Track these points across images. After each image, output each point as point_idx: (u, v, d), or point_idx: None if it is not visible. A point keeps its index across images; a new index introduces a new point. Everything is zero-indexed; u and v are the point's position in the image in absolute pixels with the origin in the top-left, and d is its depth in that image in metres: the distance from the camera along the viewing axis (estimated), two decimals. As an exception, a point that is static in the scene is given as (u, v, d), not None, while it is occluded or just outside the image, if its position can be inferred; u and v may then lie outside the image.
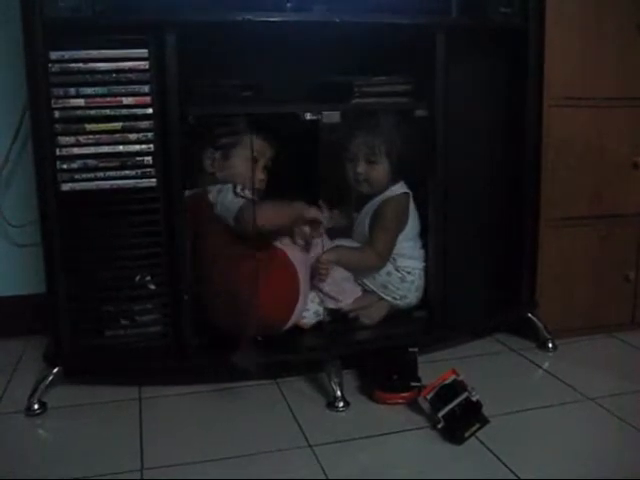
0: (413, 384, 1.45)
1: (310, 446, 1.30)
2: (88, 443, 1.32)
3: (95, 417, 1.43)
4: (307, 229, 1.58)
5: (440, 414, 1.33)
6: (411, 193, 1.73)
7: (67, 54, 1.37)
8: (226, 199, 1.52)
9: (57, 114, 1.38)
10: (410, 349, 1.50)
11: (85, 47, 1.38)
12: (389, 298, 1.71)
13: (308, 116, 1.51)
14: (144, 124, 1.43)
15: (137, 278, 1.48)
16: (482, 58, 1.66)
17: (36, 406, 1.44)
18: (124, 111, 1.41)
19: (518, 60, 1.68)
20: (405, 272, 1.71)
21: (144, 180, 1.44)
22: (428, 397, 1.37)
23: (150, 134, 1.43)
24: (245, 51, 1.63)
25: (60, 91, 1.38)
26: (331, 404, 1.45)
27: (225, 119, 1.60)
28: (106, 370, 1.58)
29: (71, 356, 1.48)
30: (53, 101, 1.38)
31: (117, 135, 1.42)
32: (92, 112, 1.40)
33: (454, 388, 1.36)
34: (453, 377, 1.38)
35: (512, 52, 1.69)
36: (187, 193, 1.53)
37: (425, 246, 1.73)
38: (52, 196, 1.41)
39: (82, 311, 1.47)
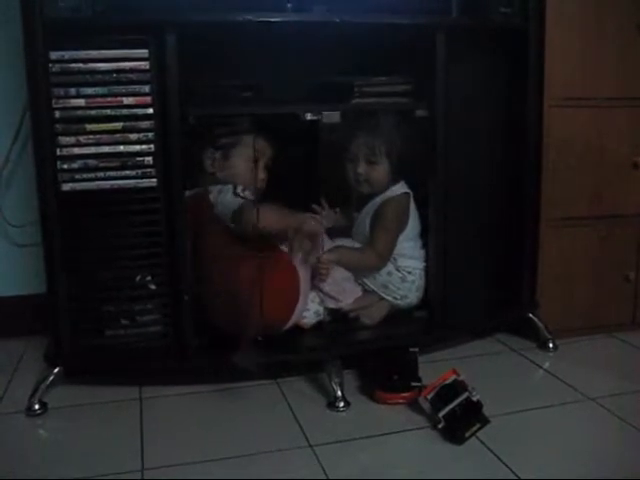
0: (414, 384, 1.45)
1: (311, 446, 1.30)
2: (88, 443, 1.32)
3: (95, 417, 1.43)
4: (307, 243, 1.55)
5: (441, 414, 1.33)
6: (411, 193, 1.73)
7: (67, 54, 1.37)
8: (225, 199, 1.53)
9: (57, 114, 1.39)
10: (411, 349, 1.50)
11: (85, 47, 1.38)
12: (390, 298, 1.71)
13: (308, 116, 1.52)
14: (144, 124, 1.43)
15: (137, 278, 1.49)
16: (482, 58, 1.66)
17: (37, 406, 1.44)
18: (125, 111, 1.41)
19: (518, 60, 1.68)
20: (406, 272, 1.71)
21: (144, 180, 1.44)
22: (429, 397, 1.37)
23: (150, 134, 1.43)
24: (245, 51, 1.63)
25: (60, 91, 1.38)
26: (332, 404, 1.45)
27: (225, 119, 1.60)
28: (106, 370, 1.58)
29: (71, 356, 1.48)
30: (54, 101, 1.38)
31: (117, 135, 1.42)
32: (92, 112, 1.40)
33: (455, 388, 1.36)
34: (454, 377, 1.38)
35: (512, 52, 1.69)
36: (188, 193, 1.53)
37: (425, 246, 1.73)
38: (52, 196, 1.41)
39: (82, 311, 1.47)
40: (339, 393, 1.45)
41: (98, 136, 1.41)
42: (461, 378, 1.38)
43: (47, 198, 1.41)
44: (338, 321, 1.67)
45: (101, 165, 1.42)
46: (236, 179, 1.60)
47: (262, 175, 1.67)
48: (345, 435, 1.34)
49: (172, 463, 1.25)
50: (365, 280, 1.71)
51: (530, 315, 1.78)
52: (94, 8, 1.38)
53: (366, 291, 1.71)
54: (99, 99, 1.40)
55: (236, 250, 1.53)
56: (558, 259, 1.77)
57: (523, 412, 1.43)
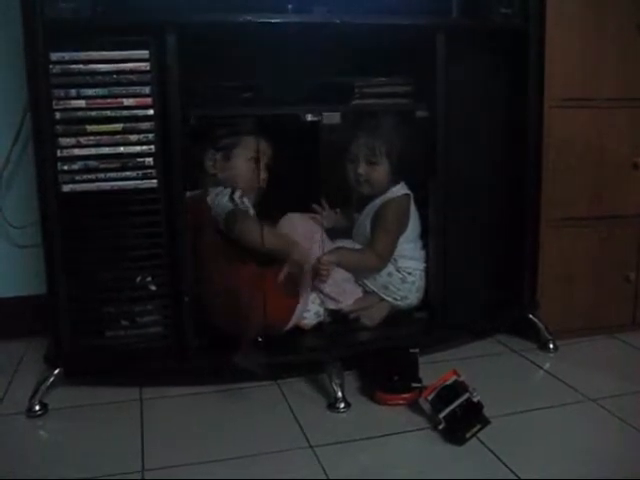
0: (414, 385, 1.45)
1: (311, 447, 1.30)
2: (89, 444, 1.32)
3: (96, 418, 1.43)
4: (296, 270, 1.55)
5: (441, 415, 1.33)
6: (412, 194, 1.73)
7: (68, 55, 1.37)
8: (222, 202, 1.52)
9: (58, 115, 1.39)
10: (411, 350, 1.50)
11: (86, 48, 1.38)
12: (390, 299, 1.71)
13: (309, 117, 1.52)
14: (145, 125, 1.43)
15: (138, 279, 1.49)
16: (482, 59, 1.66)
17: (37, 407, 1.44)
18: (125, 112, 1.41)
19: (518, 60, 1.68)
20: (406, 273, 1.71)
21: (145, 181, 1.44)
22: (429, 398, 1.37)
23: (151, 135, 1.43)
24: (246, 52, 1.63)
25: (61, 92, 1.38)
26: (332, 405, 1.45)
27: (226, 120, 1.60)
28: (107, 371, 1.58)
29: (72, 357, 1.48)
30: (54, 102, 1.38)
31: (118, 136, 1.42)
32: (93, 113, 1.40)
33: (455, 389, 1.36)
34: (454, 378, 1.38)
35: (512, 52, 1.68)
36: (188, 194, 1.53)
37: (426, 247, 1.73)
38: (53, 197, 1.41)
39: (83, 312, 1.47)
40: (339, 394, 1.45)
41: (98, 137, 1.41)
42: (461, 379, 1.38)
43: (47, 199, 1.41)
44: (338, 322, 1.67)
45: (101, 166, 1.42)
46: (237, 180, 1.60)
47: (263, 175, 1.67)
48: (345, 436, 1.34)
49: (172, 464, 1.25)
50: (365, 281, 1.71)
51: (530, 316, 1.78)
52: (95, 9, 1.38)
53: (366, 292, 1.71)
54: (99, 100, 1.40)
55: (234, 252, 1.53)
56: (558, 259, 1.77)
57: (524, 413, 1.43)
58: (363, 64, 1.69)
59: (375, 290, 1.71)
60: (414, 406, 1.44)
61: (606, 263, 1.81)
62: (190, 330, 1.49)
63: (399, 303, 1.72)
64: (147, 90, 1.41)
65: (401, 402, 1.45)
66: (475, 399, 1.34)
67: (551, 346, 1.75)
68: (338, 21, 1.48)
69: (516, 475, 1.20)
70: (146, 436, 1.35)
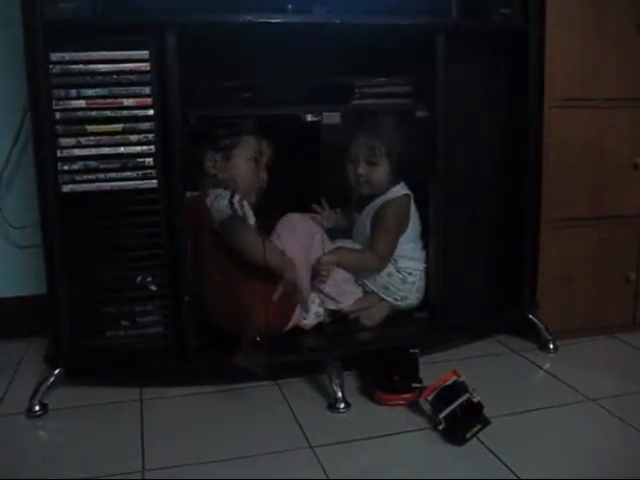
0: (414, 385, 1.45)
1: (311, 447, 1.30)
2: (89, 444, 1.32)
3: (96, 418, 1.43)
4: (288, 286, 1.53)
5: (441, 415, 1.33)
6: (412, 195, 1.73)
7: (68, 55, 1.37)
8: (221, 205, 1.52)
9: (58, 115, 1.39)
10: (411, 350, 1.50)
11: (86, 48, 1.38)
12: (390, 299, 1.71)
13: (309, 117, 1.52)
14: (145, 125, 1.43)
15: (138, 279, 1.49)
16: (482, 59, 1.66)
17: (37, 407, 1.44)
18: (125, 112, 1.41)
19: (518, 61, 1.68)
20: (406, 273, 1.71)
21: (145, 181, 1.44)
22: (429, 398, 1.37)
23: (151, 135, 1.43)
24: (246, 52, 1.63)
25: (61, 92, 1.38)
26: (332, 405, 1.45)
27: (226, 120, 1.60)
28: (107, 371, 1.58)
29: (72, 357, 1.48)
30: (54, 102, 1.38)
31: (118, 136, 1.42)
32: (93, 113, 1.40)
33: (455, 389, 1.36)
34: (454, 378, 1.38)
35: (512, 53, 1.68)
36: (188, 195, 1.53)
37: (426, 247, 1.73)
38: (53, 197, 1.41)
39: (83, 312, 1.47)
40: (339, 394, 1.45)
41: (98, 137, 1.41)
42: (462, 379, 1.38)
43: (47, 199, 1.41)
44: (338, 322, 1.67)
45: (101, 166, 1.42)
46: (237, 180, 1.60)
47: (263, 175, 1.67)
48: (345, 436, 1.34)
49: (173, 464, 1.25)
50: (365, 281, 1.71)
51: (530, 316, 1.78)
52: (95, 9, 1.38)
53: (366, 292, 1.71)
54: (99, 100, 1.40)
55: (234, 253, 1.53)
56: (558, 260, 1.77)
57: (524, 413, 1.42)
58: (363, 64, 1.69)
59: (375, 290, 1.71)
60: (414, 406, 1.44)
61: (606, 263, 1.81)
62: (190, 330, 1.49)
63: (399, 303, 1.72)
64: (147, 90, 1.41)
65: (401, 402, 1.45)
66: (475, 399, 1.34)
67: (551, 346, 1.75)
68: (338, 21, 1.48)
69: (516, 475, 1.20)
70: (146, 436, 1.35)
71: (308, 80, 1.69)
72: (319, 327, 1.64)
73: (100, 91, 1.39)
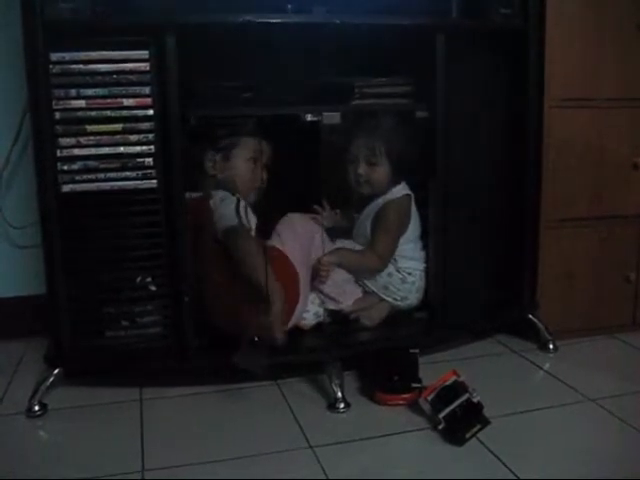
0: (414, 385, 1.45)
1: (311, 447, 1.30)
2: (89, 444, 1.32)
3: (96, 418, 1.43)
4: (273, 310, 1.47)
5: (441, 415, 1.33)
6: (412, 195, 1.72)
7: (68, 55, 1.37)
8: (227, 211, 1.52)
9: (58, 115, 1.39)
10: (411, 350, 1.50)
11: (86, 48, 1.38)
12: (390, 299, 1.71)
13: (309, 117, 1.52)
14: (145, 125, 1.43)
15: (138, 279, 1.49)
16: (482, 59, 1.66)
17: (37, 407, 1.44)
18: (125, 112, 1.41)
19: (518, 61, 1.68)
20: (406, 273, 1.71)
21: (145, 181, 1.44)
22: (429, 398, 1.37)
23: (151, 135, 1.43)
24: (246, 52, 1.63)
25: (61, 92, 1.38)
26: (332, 405, 1.45)
27: (226, 120, 1.60)
28: (107, 371, 1.58)
29: (71, 357, 1.48)
30: (54, 102, 1.38)
31: (118, 136, 1.42)
32: (93, 113, 1.40)
33: (455, 389, 1.36)
34: (454, 378, 1.38)
35: (512, 53, 1.68)
36: (190, 195, 1.53)
37: (426, 247, 1.73)
38: (53, 197, 1.41)
39: (82, 312, 1.47)
40: (339, 394, 1.45)
41: (98, 137, 1.41)
42: (461, 379, 1.38)
43: (47, 199, 1.41)
44: (338, 322, 1.67)
45: (101, 166, 1.42)
46: (237, 180, 1.61)
47: (262, 175, 1.67)
48: (345, 436, 1.34)
49: (172, 464, 1.25)
50: (365, 281, 1.71)
51: (530, 316, 1.78)
52: (94, 9, 1.38)
53: (366, 292, 1.71)
54: (99, 100, 1.40)
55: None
56: (558, 260, 1.77)
57: (524, 413, 1.42)
58: (363, 64, 1.69)
59: (375, 290, 1.71)
60: (414, 406, 1.44)
61: (606, 263, 1.81)
62: (190, 330, 1.49)
63: (399, 303, 1.72)
64: (147, 90, 1.41)
65: (401, 402, 1.45)
66: (475, 399, 1.34)
67: (551, 346, 1.75)
68: (338, 21, 1.48)
69: (516, 475, 1.20)
70: (146, 436, 1.35)
71: (308, 80, 1.69)
72: (319, 327, 1.64)
73: (100, 91, 1.39)
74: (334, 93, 1.62)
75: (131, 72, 1.40)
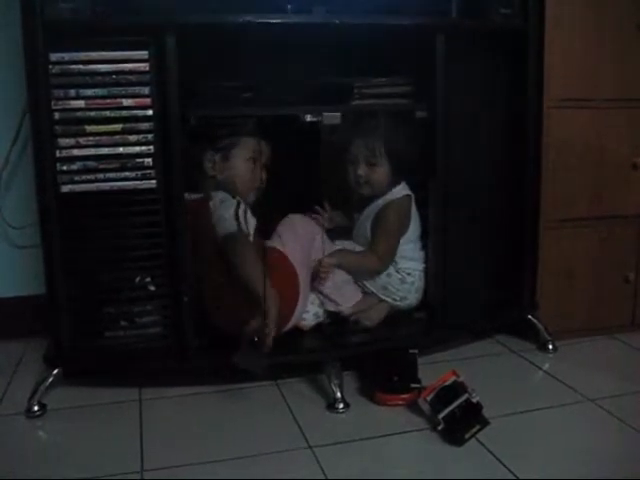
0: (413, 385, 1.45)
1: (310, 447, 1.30)
2: (88, 444, 1.32)
3: (95, 418, 1.43)
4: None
5: (440, 415, 1.33)
6: (413, 195, 1.72)
7: (67, 55, 1.37)
8: (225, 215, 1.52)
9: (57, 116, 1.39)
10: (410, 350, 1.50)
11: (85, 49, 1.38)
12: (389, 299, 1.71)
13: (308, 118, 1.52)
14: (144, 126, 1.43)
15: (137, 279, 1.49)
16: (482, 59, 1.66)
17: (36, 408, 1.44)
18: (124, 113, 1.41)
19: (518, 61, 1.68)
20: (405, 274, 1.71)
21: (144, 182, 1.44)
22: (428, 398, 1.37)
23: (150, 136, 1.43)
24: (245, 52, 1.63)
25: (60, 92, 1.38)
26: (331, 405, 1.45)
27: (226, 120, 1.60)
28: (106, 371, 1.58)
29: (71, 357, 1.48)
30: (53, 103, 1.38)
31: (117, 137, 1.42)
32: (92, 114, 1.40)
33: (454, 389, 1.36)
34: (453, 378, 1.38)
35: (512, 53, 1.68)
36: (191, 196, 1.53)
37: (425, 247, 1.73)
38: (52, 197, 1.41)
39: (82, 312, 1.47)
40: (338, 394, 1.45)
41: (98, 138, 1.41)
42: (461, 379, 1.38)
43: (46, 199, 1.41)
44: (337, 323, 1.67)
45: (100, 167, 1.42)
46: (236, 180, 1.60)
47: (262, 175, 1.66)
48: (344, 436, 1.34)
49: (172, 464, 1.25)
50: (364, 282, 1.71)
51: (530, 316, 1.78)
52: (94, 9, 1.38)
53: (366, 293, 1.71)
54: (99, 100, 1.40)
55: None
56: (558, 260, 1.77)
57: (523, 413, 1.42)
58: (363, 64, 1.69)
59: (374, 291, 1.71)
60: (413, 407, 1.44)
61: (606, 263, 1.81)
62: (190, 330, 1.49)
63: (398, 304, 1.72)
64: (146, 90, 1.41)
65: (400, 403, 1.45)
66: (474, 399, 1.34)
67: (550, 346, 1.75)
68: (337, 21, 1.48)
69: (515, 475, 1.20)
70: (145, 436, 1.35)
71: (308, 80, 1.68)
72: (318, 327, 1.64)
73: (99, 91, 1.39)
74: (334, 93, 1.62)
75: (131, 72, 1.40)
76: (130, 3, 1.42)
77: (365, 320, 1.67)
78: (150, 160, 1.44)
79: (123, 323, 1.49)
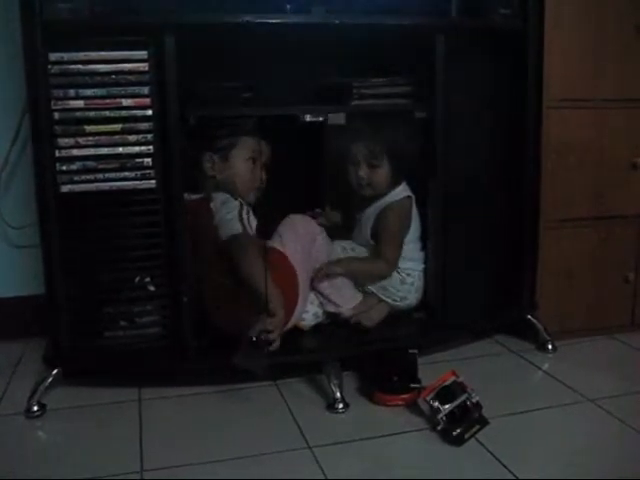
0: (413, 385, 1.45)
1: (310, 447, 1.30)
2: (87, 445, 1.32)
3: (94, 418, 1.42)
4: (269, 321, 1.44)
5: (440, 415, 1.33)
6: (413, 196, 1.72)
7: (66, 55, 1.37)
8: (228, 217, 1.52)
9: (56, 116, 1.39)
10: (410, 350, 1.49)
11: (84, 49, 1.38)
12: (389, 300, 1.71)
13: (307, 118, 1.52)
14: (143, 126, 1.43)
15: (137, 279, 1.49)
16: (482, 59, 1.66)
17: (35, 408, 1.44)
18: (124, 113, 1.41)
19: (518, 61, 1.68)
20: (405, 274, 1.71)
21: (144, 182, 1.44)
22: (428, 398, 1.37)
23: (149, 136, 1.43)
24: (245, 52, 1.63)
25: (59, 92, 1.38)
26: (331, 405, 1.45)
27: (225, 120, 1.60)
28: (105, 371, 1.58)
29: (70, 357, 1.48)
30: (52, 102, 1.38)
31: (116, 137, 1.42)
32: (91, 114, 1.40)
33: (454, 389, 1.36)
34: (453, 378, 1.38)
35: (512, 53, 1.68)
36: (190, 196, 1.53)
37: (425, 247, 1.73)
38: (51, 198, 1.41)
39: (81, 312, 1.47)
40: (338, 394, 1.45)
41: (97, 138, 1.41)
42: (460, 379, 1.38)
43: (46, 199, 1.41)
44: (337, 323, 1.67)
45: (100, 167, 1.42)
46: (236, 180, 1.60)
47: (262, 175, 1.66)
48: (344, 436, 1.34)
49: (171, 464, 1.25)
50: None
51: (529, 316, 1.78)
52: (93, 9, 1.38)
53: (365, 293, 1.71)
54: (98, 100, 1.40)
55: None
56: (558, 260, 1.77)
57: (522, 413, 1.42)
58: (362, 64, 1.69)
59: (374, 291, 1.71)
60: (413, 407, 1.44)
61: (606, 263, 1.80)
62: (189, 330, 1.49)
63: (398, 304, 1.72)
64: (146, 90, 1.41)
65: (400, 403, 1.45)
66: (474, 399, 1.34)
67: (550, 347, 1.75)
68: (337, 21, 1.48)
69: (514, 475, 1.20)
70: (145, 436, 1.35)
71: (307, 80, 1.68)
72: (318, 328, 1.64)
73: (99, 91, 1.39)
74: (333, 93, 1.62)
75: (130, 72, 1.40)
76: (129, 3, 1.42)
77: (365, 320, 1.67)
78: (149, 160, 1.44)
79: (123, 323, 1.49)
